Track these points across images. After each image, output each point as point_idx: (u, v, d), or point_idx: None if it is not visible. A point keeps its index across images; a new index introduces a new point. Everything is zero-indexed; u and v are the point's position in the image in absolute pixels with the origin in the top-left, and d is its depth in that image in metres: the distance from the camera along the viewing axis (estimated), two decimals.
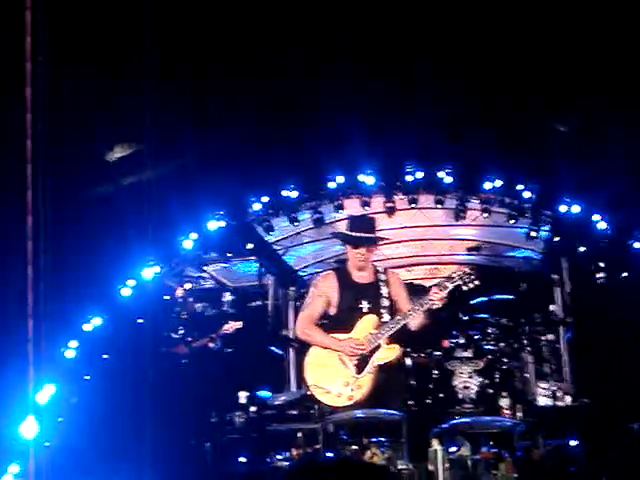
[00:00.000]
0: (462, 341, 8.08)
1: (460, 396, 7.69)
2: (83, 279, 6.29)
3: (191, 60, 6.42)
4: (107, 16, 6.26)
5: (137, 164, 6.52)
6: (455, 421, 5.53)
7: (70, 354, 6.25)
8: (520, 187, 7.09)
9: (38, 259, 4.86)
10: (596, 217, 7.03)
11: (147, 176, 6.18)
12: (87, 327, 6.47)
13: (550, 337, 8.62)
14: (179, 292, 8.13)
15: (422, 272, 10.07)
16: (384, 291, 5.89)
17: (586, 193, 6.87)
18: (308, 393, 5.92)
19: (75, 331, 6.41)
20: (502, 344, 8.18)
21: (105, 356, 6.54)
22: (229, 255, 8.63)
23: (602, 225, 7.06)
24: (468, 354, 7.96)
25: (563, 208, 7.04)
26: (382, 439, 5.10)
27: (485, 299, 8.83)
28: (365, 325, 5.76)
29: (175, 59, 6.32)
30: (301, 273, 9.39)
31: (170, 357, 7.62)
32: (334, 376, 5.65)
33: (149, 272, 6.76)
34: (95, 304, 6.48)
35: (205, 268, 9.04)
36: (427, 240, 9.31)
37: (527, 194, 7.12)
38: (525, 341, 8.31)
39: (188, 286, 8.34)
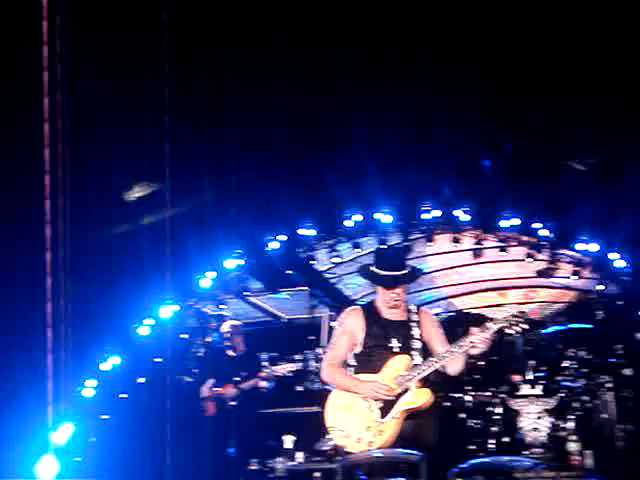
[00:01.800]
0: (530, 377, 7.21)
1: (528, 439, 6.84)
2: (101, 317, 6.30)
3: (207, 97, 6.45)
4: (125, 42, 6.30)
5: (155, 203, 6.57)
6: (474, 461, 5.46)
7: (88, 392, 6.25)
8: (537, 225, 7.08)
9: (57, 297, 4.89)
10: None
11: (165, 215, 6.22)
12: (106, 366, 6.48)
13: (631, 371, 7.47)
14: (225, 327, 7.64)
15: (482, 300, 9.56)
16: (415, 332, 5.53)
17: (604, 231, 6.85)
18: (328, 437, 5.56)
19: (93, 369, 6.42)
20: (578, 380, 7.21)
21: (124, 396, 6.53)
22: (277, 285, 8.14)
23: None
24: (537, 391, 7.10)
25: (581, 246, 7.03)
26: (400, 479, 5.04)
27: (558, 328, 7.99)
28: (395, 366, 5.44)
29: (191, 95, 6.36)
30: (360, 303, 8.11)
31: (213, 399, 7.32)
32: (356, 419, 5.35)
33: (168, 310, 6.76)
34: (114, 342, 6.49)
35: (253, 299, 8.51)
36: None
37: (544, 232, 7.10)
38: (605, 376, 7.23)
39: (235, 322, 7.80)
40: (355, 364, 5.53)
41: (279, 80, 6.74)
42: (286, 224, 7.04)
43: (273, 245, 7.23)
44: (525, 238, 7.36)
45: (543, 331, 7.99)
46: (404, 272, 5.53)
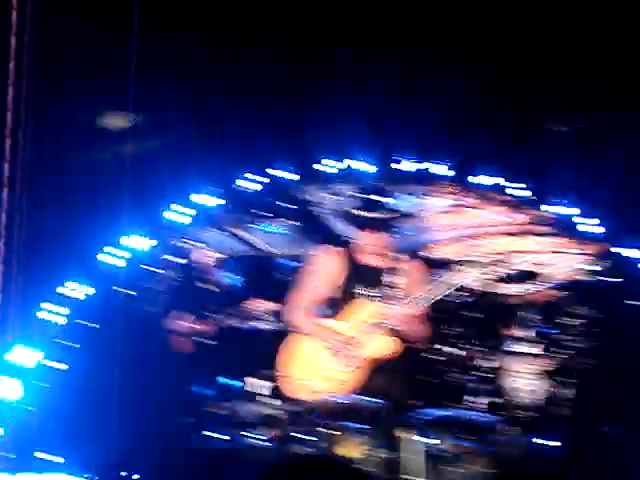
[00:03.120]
0: (531, 333, 6.85)
1: (524, 401, 6.50)
2: (69, 247, 6.25)
3: (189, 40, 6.35)
4: None
5: (130, 135, 6.50)
6: (434, 412, 5.51)
7: (50, 317, 6.22)
8: (518, 185, 7.08)
9: (18, 223, 4.85)
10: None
11: (137, 148, 6.16)
12: (71, 292, 6.44)
13: None
14: (206, 260, 7.20)
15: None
16: (396, 280, 5.23)
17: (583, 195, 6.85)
18: (276, 384, 5.43)
19: (59, 295, 6.39)
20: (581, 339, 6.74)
21: (96, 325, 6.51)
22: (260, 214, 7.61)
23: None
24: (537, 350, 6.75)
25: (560, 209, 7.03)
26: (359, 425, 5.06)
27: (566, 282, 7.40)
28: (364, 313, 5.24)
29: (171, 35, 6.26)
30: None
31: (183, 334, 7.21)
32: (315, 368, 5.23)
33: (141, 243, 6.72)
34: (83, 272, 6.45)
35: (237, 232, 7.94)
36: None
37: (524, 192, 7.09)
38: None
39: (218, 255, 7.36)
40: (324, 308, 5.31)
41: (263, 30, 6.61)
42: (266, 166, 6.99)
43: (253, 185, 7.16)
44: (503, 197, 7.36)
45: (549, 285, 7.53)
46: (385, 214, 5.26)
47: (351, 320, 5.25)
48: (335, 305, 5.28)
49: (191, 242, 7.40)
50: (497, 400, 6.46)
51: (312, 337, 5.27)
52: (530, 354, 6.76)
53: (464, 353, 6.76)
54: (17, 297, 5.35)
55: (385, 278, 5.26)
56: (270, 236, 8.05)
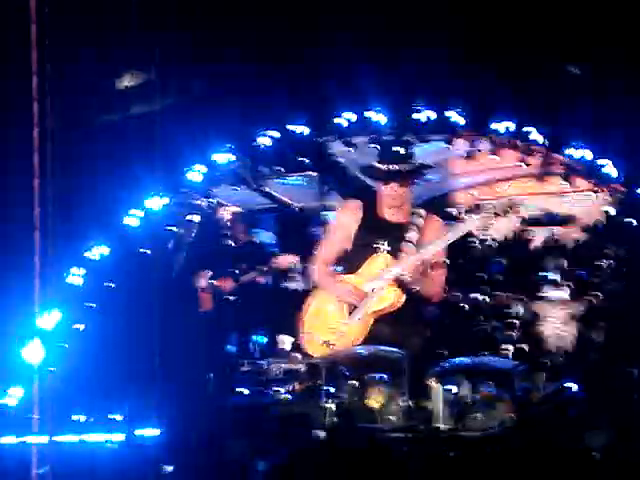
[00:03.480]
0: (556, 277, 6.71)
1: (550, 347, 6.46)
2: (88, 207, 6.28)
3: None
4: None
5: (147, 93, 6.48)
6: (456, 360, 5.55)
7: (76, 280, 6.27)
8: (531, 129, 7.01)
9: (45, 181, 4.87)
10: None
11: (155, 106, 6.14)
12: (93, 255, 6.48)
13: None
14: (225, 215, 7.17)
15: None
16: (413, 236, 5.22)
17: (597, 138, 6.79)
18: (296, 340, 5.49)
19: (80, 258, 6.42)
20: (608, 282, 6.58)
21: (113, 285, 6.54)
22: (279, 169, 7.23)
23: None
24: (563, 294, 6.62)
25: (574, 152, 6.97)
26: (383, 376, 5.11)
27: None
28: (374, 265, 5.21)
29: None
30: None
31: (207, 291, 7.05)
32: (323, 322, 5.25)
33: (158, 202, 6.72)
34: (102, 232, 6.47)
35: (255, 184, 7.55)
36: None
37: (538, 136, 7.03)
38: None
39: (235, 209, 7.29)
40: (343, 263, 5.34)
41: None
42: (278, 121, 6.94)
43: (265, 140, 7.12)
44: (518, 142, 7.30)
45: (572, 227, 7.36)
46: (406, 167, 5.19)
47: (365, 272, 5.24)
48: (354, 260, 5.26)
49: (212, 200, 7.38)
50: (524, 346, 6.50)
51: (329, 293, 5.27)
52: (557, 299, 6.72)
53: (490, 300, 6.74)
54: (46, 263, 5.38)
55: (402, 233, 5.23)
56: (292, 189, 7.85)
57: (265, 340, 6.68)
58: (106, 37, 6.30)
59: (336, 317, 5.23)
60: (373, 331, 5.18)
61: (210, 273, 7.13)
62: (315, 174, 7.49)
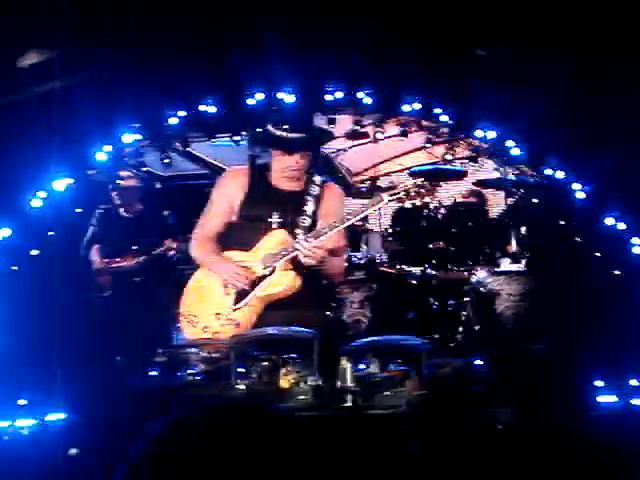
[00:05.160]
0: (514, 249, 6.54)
1: (507, 326, 6.31)
2: None
3: None
4: None
5: (51, 71, 6.33)
6: (365, 339, 5.58)
7: None
8: (438, 110, 7.09)
9: None
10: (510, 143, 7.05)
11: (61, 84, 6.00)
12: None
13: None
14: (122, 184, 6.83)
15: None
16: (309, 207, 4.76)
17: (504, 119, 6.90)
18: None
19: None
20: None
21: (15, 268, 6.40)
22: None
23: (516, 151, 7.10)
24: (521, 267, 6.45)
25: (479, 133, 7.08)
26: (294, 356, 5.10)
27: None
28: (268, 243, 4.74)
29: None
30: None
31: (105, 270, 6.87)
32: (206, 305, 4.80)
33: (61, 183, 6.59)
34: (4, 214, 6.32)
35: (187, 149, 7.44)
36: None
37: (444, 117, 7.12)
38: None
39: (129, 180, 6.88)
40: (227, 238, 4.80)
41: None
42: (187, 101, 6.86)
43: (177, 120, 7.02)
44: (425, 123, 7.39)
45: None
46: (305, 135, 4.71)
47: (257, 251, 4.81)
48: (243, 236, 4.79)
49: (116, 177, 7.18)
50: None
51: (212, 271, 4.79)
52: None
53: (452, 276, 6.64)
54: None
55: (298, 204, 4.81)
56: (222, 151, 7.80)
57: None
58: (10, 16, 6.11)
59: (221, 301, 4.77)
60: (265, 317, 4.80)
61: (107, 250, 6.86)
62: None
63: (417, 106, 7.06)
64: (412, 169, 7.93)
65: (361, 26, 6.35)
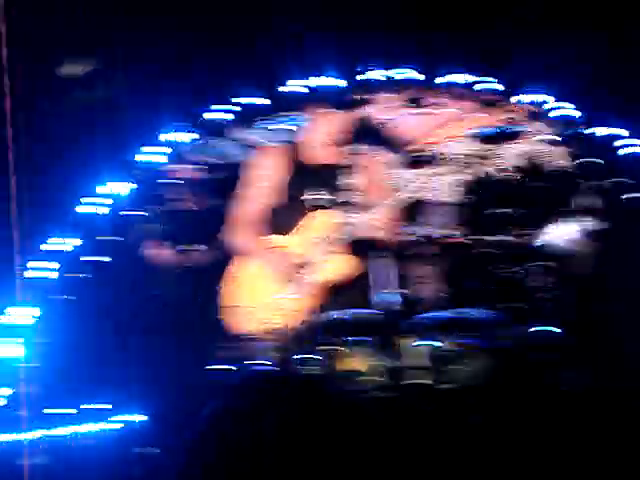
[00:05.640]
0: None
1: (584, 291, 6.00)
2: (47, 195, 6.24)
3: None
4: None
5: (98, 75, 6.44)
6: (433, 315, 5.56)
7: (50, 274, 6.25)
8: (488, 78, 6.99)
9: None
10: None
11: (110, 87, 6.08)
12: (65, 247, 6.46)
13: None
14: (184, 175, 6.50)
15: None
16: (351, 180, 4.46)
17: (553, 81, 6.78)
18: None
19: (53, 252, 6.40)
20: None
21: (86, 275, 6.53)
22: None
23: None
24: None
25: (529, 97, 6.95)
26: (359, 338, 5.09)
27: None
28: (313, 225, 4.51)
29: None
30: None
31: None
32: (262, 294, 4.60)
33: (123, 187, 6.69)
34: (68, 223, 6.46)
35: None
36: None
37: (496, 85, 7.02)
38: None
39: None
40: (267, 221, 4.51)
41: None
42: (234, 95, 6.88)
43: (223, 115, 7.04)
44: (474, 93, 7.28)
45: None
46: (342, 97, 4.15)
47: (302, 235, 4.60)
48: (282, 217, 4.55)
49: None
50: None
51: (257, 259, 4.53)
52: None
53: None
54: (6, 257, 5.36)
55: (340, 179, 4.54)
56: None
57: None
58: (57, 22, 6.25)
59: (276, 291, 4.50)
60: (325, 302, 4.51)
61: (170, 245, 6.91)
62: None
63: (466, 77, 6.97)
64: (469, 133, 7.74)
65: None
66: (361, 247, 4.62)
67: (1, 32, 5.19)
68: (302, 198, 4.49)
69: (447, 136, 8.05)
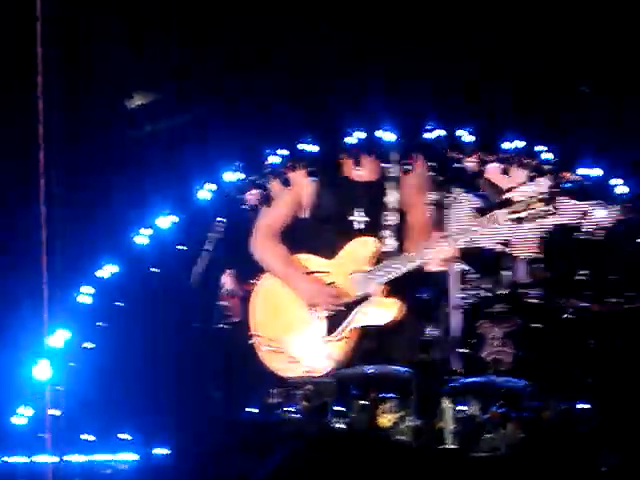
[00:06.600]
0: None
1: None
2: (98, 226, 6.31)
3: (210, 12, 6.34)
4: None
5: (156, 112, 6.51)
6: (466, 380, 5.51)
7: (84, 299, 6.28)
8: (540, 148, 6.99)
9: (53, 206, 4.90)
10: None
11: (165, 125, 6.16)
12: (102, 273, 6.50)
13: None
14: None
15: None
16: (391, 197, 3.93)
17: (606, 156, 6.77)
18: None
19: (90, 277, 6.45)
20: None
21: (122, 304, 6.56)
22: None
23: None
24: None
25: (583, 171, 6.95)
26: (392, 395, 5.06)
27: None
28: (355, 253, 3.94)
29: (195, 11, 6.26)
30: None
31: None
32: (290, 329, 4.10)
33: (167, 220, 6.73)
34: (112, 251, 6.50)
35: None
36: None
37: (547, 155, 7.02)
38: None
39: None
40: (296, 237, 4.05)
41: None
42: (287, 140, 6.95)
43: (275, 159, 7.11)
44: (527, 160, 7.28)
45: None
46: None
47: (341, 260, 4.05)
48: (314, 238, 4.05)
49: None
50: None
51: (291, 287, 3.94)
52: None
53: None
54: (55, 282, 5.41)
55: (377, 196, 4.00)
56: None
57: None
58: (117, 54, 6.36)
59: (307, 325, 3.85)
60: (360, 351, 3.97)
61: (236, 274, 6.76)
62: None
63: (518, 144, 6.98)
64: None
65: (459, 60, 6.32)
66: (412, 289, 4.19)
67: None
68: (337, 217, 3.95)
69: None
